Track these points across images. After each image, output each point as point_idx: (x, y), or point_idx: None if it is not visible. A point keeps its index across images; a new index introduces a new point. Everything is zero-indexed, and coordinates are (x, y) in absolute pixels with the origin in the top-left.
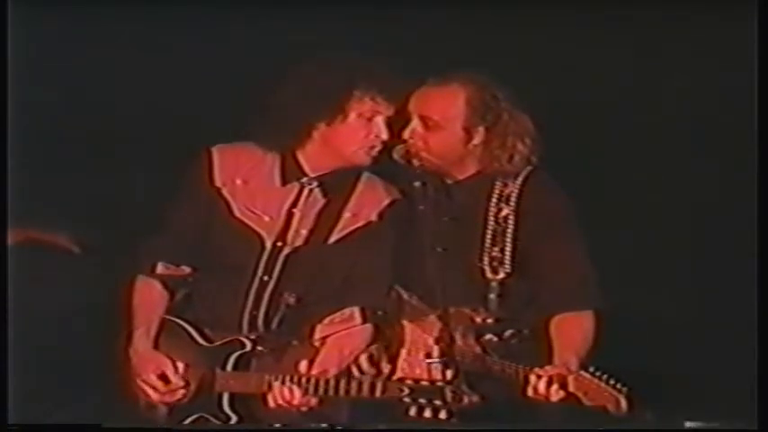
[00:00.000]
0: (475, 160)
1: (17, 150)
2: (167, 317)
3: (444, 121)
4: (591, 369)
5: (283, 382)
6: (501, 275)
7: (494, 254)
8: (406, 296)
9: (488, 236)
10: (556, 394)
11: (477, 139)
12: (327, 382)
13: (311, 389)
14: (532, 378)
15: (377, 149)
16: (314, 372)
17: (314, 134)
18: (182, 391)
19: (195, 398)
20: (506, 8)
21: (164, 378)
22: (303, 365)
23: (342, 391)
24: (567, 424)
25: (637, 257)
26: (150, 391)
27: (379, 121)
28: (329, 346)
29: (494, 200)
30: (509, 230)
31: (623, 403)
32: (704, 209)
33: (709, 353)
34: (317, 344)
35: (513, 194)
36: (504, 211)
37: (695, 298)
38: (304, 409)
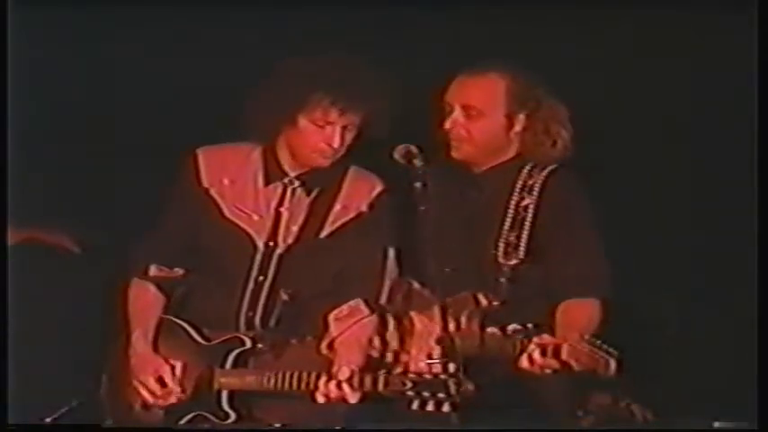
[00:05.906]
0: (513, 147)
1: (17, 150)
2: (165, 316)
3: (487, 109)
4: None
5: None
6: (513, 261)
7: (510, 239)
8: (417, 287)
9: (507, 222)
10: (549, 363)
11: (518, 126)
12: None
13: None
14: (530, 346)
15: (330, 153)
16: (342, 370)
17: (280, 138)
18: (178, 396)
19: (193, 396)
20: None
21: (161, 382)
22: (335, 368)
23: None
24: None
25: (645, 256)
26: (146, 394)
27: (330, 129)
28: (346, 342)
29: (517, 189)
30: (528, 219)
31: (612, 365)
32: (706, 209)
33: (709, 353)
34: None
35: (537, 186)
36: (526, 201)
37: (696, 297)
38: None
